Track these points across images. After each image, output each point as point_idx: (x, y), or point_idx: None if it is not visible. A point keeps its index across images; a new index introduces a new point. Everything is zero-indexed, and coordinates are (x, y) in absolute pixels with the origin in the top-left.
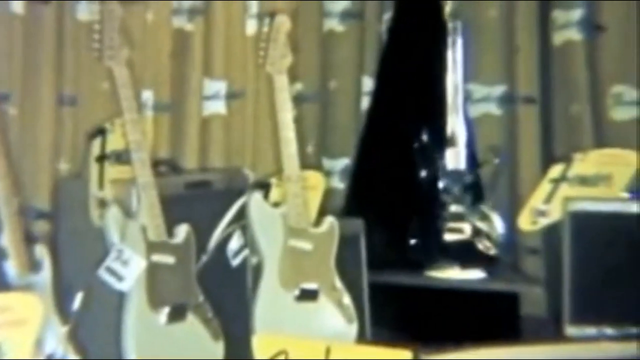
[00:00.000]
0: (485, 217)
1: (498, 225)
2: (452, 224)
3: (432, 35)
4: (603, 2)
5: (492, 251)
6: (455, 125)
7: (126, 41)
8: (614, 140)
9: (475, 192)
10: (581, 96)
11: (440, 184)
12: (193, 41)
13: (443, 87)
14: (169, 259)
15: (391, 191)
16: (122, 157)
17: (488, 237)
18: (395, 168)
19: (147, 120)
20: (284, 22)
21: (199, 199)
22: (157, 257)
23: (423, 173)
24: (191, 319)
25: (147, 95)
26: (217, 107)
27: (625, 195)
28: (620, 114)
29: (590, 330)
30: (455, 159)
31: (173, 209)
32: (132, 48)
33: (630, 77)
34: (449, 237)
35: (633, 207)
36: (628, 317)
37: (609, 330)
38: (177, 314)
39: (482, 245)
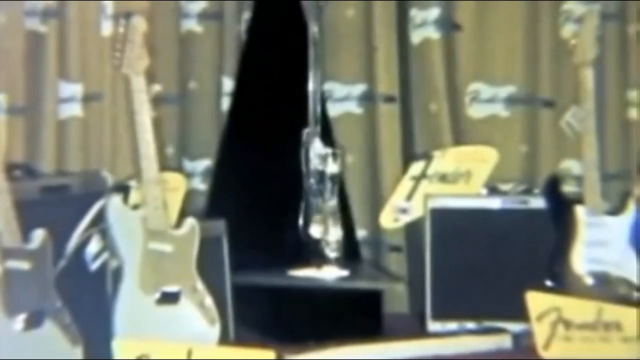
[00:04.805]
0: (324, 220)
1: (335, 228)
2: (311, 223)
3: (292, 35)
4: (458, 2)
5: (330, 253)
6: (315, 123)
7: None
8: (472, 137)
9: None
10: (439, 94)
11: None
12: (47, 43)
13: (303, 87)
14: (24, 265)
15: (253, 191)
16: None
17: (325, 239)
18: (256, 168)
19: (0, 123)
20: (139, 23)
21: (56, 203)
22: (12, 263)
23: (284, 173)
24: (49, 325)
25: (0, 99)
26: (73, 110)
27: (484, 191)
28: (478, 111)
29: (452, 326)
30: (314, 158)
31: (29, 214)
32: None
33: (487, 75)
34: (308, 236)
35: (492, 203)
36: (488, 312)
37: (470, 325)
38: (34, 321)
39: (323, 246)
